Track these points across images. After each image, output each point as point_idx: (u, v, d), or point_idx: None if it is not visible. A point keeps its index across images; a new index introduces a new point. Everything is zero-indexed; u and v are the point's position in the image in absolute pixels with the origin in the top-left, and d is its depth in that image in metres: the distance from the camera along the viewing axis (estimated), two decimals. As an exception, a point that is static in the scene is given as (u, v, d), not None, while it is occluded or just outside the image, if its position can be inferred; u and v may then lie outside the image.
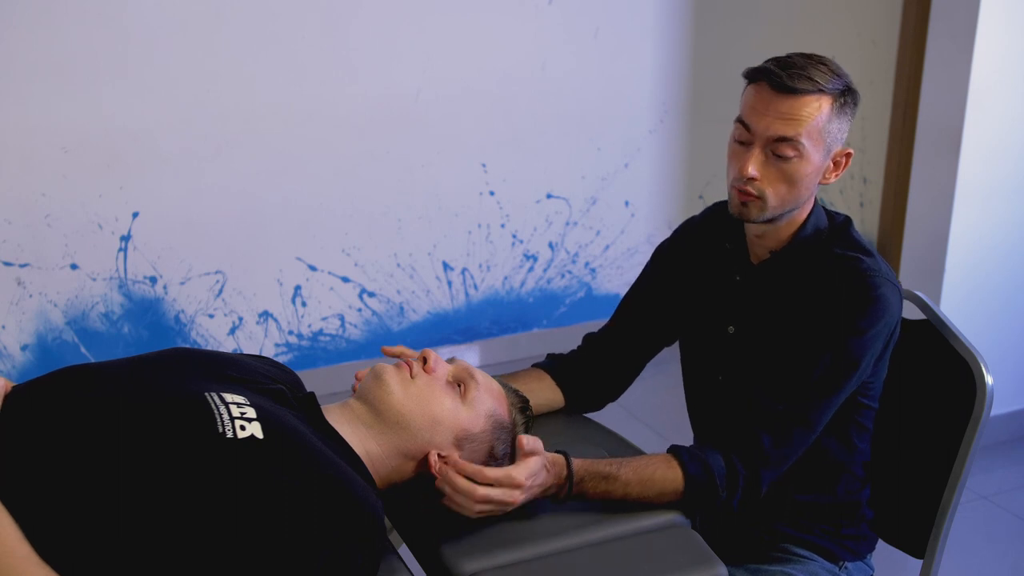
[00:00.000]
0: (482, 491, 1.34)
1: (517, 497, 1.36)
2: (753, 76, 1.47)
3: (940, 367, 1.64)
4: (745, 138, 1.47)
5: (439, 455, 1.39)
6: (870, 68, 3.64)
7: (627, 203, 3.56)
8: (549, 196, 3.46)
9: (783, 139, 1.44)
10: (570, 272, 3.59)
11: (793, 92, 1.42)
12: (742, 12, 3.50)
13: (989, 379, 1.57)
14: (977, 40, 2.60)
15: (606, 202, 3.54)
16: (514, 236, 3.45)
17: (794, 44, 3.48)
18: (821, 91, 1.43)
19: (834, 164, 1.51)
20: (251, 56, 2.95)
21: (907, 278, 2.92)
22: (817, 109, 1.43)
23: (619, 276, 3.61)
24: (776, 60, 1.46)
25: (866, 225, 3.81)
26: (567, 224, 3.52)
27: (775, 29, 3.53)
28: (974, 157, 2.71)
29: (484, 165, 3.34)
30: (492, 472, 1.36)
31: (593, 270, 3.62)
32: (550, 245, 3.52)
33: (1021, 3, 2.62)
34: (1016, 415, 3.00)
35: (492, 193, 3.38)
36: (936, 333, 1.65)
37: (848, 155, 1.51)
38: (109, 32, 2.79)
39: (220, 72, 2.93)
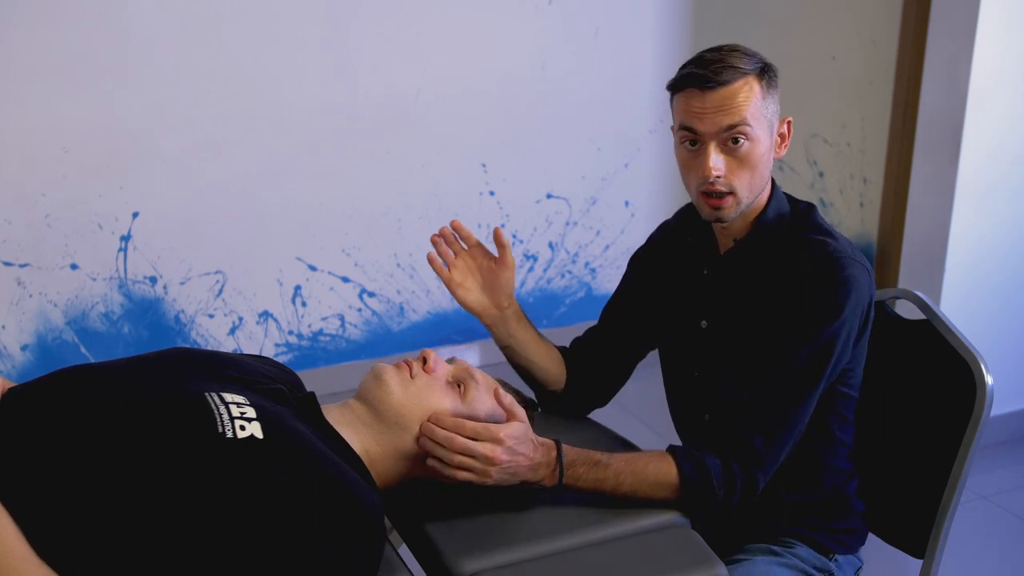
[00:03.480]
0: (461, 440, 1.35)
1: (499, 454, 1.35)
2: (679, 85, 1.49)
3: (940, 367, 1.64)
4: (696, 140, 1.49)
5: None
6: (870, 68, 3.64)
7: (627, 203, 3.56)
8: (549, 196, 3.46)
9: (731, 127, 1.46)
10: (570, 272, 3.59)
11: (723, 84, 1.45)
12: (742, 12, 3.50)
13: (989, 379, 1.57)
14: (977, 40, 2.60)
15: (606, 202, 3.54)
16: (514, 236, 3.46)
17: (794, 44, 3.51)
18: (746, 74, 1.46)
19: (780, 137, 1.54)
20: (251, 56, 2.95)
21: (907, 278, 2.92)
22: (750, 91, 1.46)
23: (619, 276, 3.59)
24: (693, 63, 1.49)
25: (866, 225, 3.81)
26: (567, 224, 3.52)
27: (775, 29, 3.53)
28: (974, 157, 2.71)
29: (484, 165, 3.34)
30: (472, 423, 1.37)
31: (593, 270, 3.62)
32: (550, 245, 3.52)
33: (1021, 3, 2.62)
34: (1016, 415, 3.00)
35: (492, 193, 3.38)
36: (936, 333, 1.64)
37: (789, 123, 1.55)
38: (109, 32, 2.79)
39: (220, 72, 2.93)
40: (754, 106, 1.46)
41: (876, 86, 3.65)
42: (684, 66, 1.49)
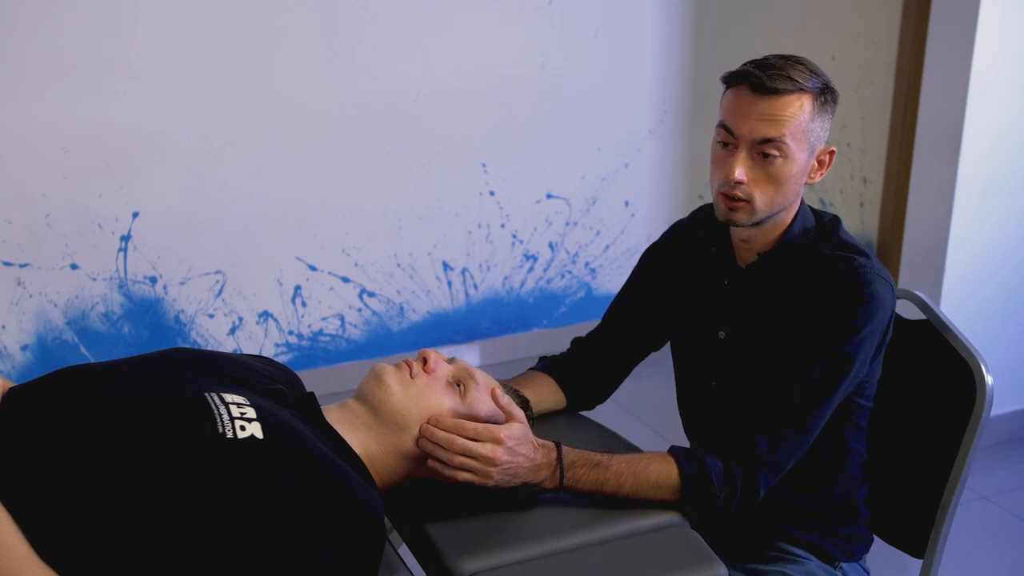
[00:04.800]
0: (461, 442, 1.36)
1: (499, 455, 1.35)
2: (732, 80, 1.47)
3: (940, 367, 1.64)
4: (729, 142, 1.47)
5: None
6: (870, 68, 3.64)
7: (627, 203, 3.56)
8: (549, 196, 3.46)
9: (767, 140, 1.43)
10: (570, 272, 3.59)
11: (774, 93, 1.42)
12: (742, 12, 3.50)
13: (989, 379, 1.57)
14: (977, 40, 2.60)
15: (606, 202, 3.54)
16: (514, 236, 3.46)
17: (794, 44, 3.51)
18: (801, 90, 1.43)
19: (818, 163, 1.51)
20: (252, 56, 2.95)
21: (907, 278, 2.92)
22: (799, 108, 1.43)
23: (619, 276, 3.61)
24: (754, 63, 1.46)
25: (866, 225, 3.81)
26: (567, 224, 3.52)
27: (775, 29, 3.53)
28: (974, 157, 2.71)
29: (484, 165, 3.34)
30: (472, 424, 1.37)
31: (593, 270, 3.62)
32: (550, 245, 3.52)
33: (1021, 3, 2.62)
34: (1016, 415, 3.00)
35: (492, 193, 3.38)
36: (936, 333, 1.65)
37: (831, 153, 1.51)
38: (109, 32, 2.79)
39: (220, 72, 2.93)
40: (798, 124, 1.43)
41: (876, 86, 3.65)
42: (745, 64, 1.47)
